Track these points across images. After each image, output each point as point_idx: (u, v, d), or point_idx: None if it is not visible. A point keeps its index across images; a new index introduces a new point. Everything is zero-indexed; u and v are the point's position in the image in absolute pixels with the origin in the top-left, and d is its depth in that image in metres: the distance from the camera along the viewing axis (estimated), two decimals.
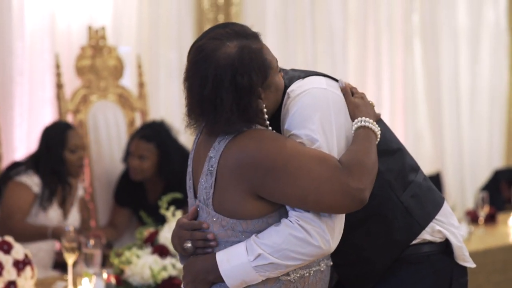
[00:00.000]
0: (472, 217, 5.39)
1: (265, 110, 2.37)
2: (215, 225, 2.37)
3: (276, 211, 2.34)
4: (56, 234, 4.48)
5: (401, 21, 7.25)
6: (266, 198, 2.32)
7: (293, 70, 2.56)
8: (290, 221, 2.30)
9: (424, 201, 2.58)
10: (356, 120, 2.43)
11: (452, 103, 7.64)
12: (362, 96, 2.53)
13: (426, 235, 2.56)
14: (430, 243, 2.57)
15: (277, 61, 2.42)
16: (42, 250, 4.63)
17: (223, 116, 2.30)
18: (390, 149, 2.56)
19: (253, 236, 2.33)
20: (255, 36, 2.37)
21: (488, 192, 5.61)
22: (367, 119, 2.43)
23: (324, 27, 6.73)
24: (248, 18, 6.26)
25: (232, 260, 2.33)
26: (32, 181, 4.58)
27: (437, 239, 2.58)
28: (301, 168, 2.27)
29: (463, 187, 7.72)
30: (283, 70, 2.54)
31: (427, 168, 7.24)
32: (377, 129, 2.45)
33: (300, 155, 2.28)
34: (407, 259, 2.56)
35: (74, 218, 4.77)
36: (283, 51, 6.44)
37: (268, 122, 2.38)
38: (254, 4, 6.36)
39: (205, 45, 2.33)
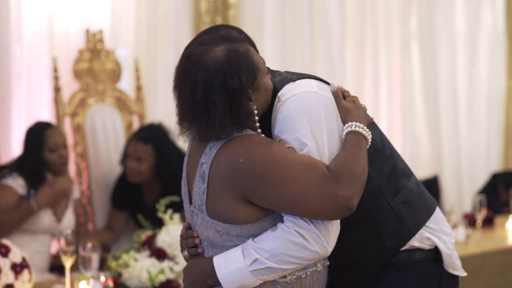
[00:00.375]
0: (470, 220, 5.38)
1: (255, 112, 2.37)
2: (210, 230, 2.38)
3: (270, 215, 2.35)
4: (40, 203, 4.54)
5: (398, 24, 7.25)
6: (256, 203, 2.33)
7: (286, 72, 2.56)
8: (287, 226, 2.31)
9: (415, 207, 2.56)
10: (346, 125, 2.43)
11: (449, 106, 7.64)
12: (354, 100, 2.52)
13: (415, 241, 2.55)
14: (419, 249, 2.55)
15: (264, 63, 2.43)
16: (38, 252, 4.63)
17: (216, 119, 2.32)
18: (382, 154, 2.54)
19: (250, 240, 2.34)
20: (241, 40, 2.39)
21: (485, 195, 5.61)
22: (358, 123, 2.42)
23: (322, 30, 6.73)
24: (246, 21, 6.27)
25: (229, 265, 2.34)
26: (17, 183, 4.62)
27: (426, 246, 2.56)
28: (289, 175, 2.28)
29: (460, 190, 7.72)
30: (276, 72, 2.55)
31: (424, 171, 7.24)
32: (367, 133, 2.43)
33: (289, 162, 2.29)
34: (396, 265, 2.54)
35: (69, 220, 4.78)
36: (281, 54, 6.45)
37: (258, 124, 2.39)
38: (252, 7, 6.35)
39: (192, 51, 2.36)
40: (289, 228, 2.30)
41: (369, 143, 2.44)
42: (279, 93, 2.43)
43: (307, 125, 2.35)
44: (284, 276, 2.37)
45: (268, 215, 2.34)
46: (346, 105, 2.47)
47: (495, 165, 7.96)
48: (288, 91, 2.43)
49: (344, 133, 2.42)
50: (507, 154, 8.16)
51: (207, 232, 2.39)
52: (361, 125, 2.42)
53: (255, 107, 2.37)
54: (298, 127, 2.35)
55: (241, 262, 2.32)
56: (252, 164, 2.30)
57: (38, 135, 4.73)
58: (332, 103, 2.45)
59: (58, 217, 4.73)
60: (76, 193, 4.93)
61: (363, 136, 2.42)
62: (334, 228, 2.33)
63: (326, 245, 2.31)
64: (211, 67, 2.31)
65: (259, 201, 2.32)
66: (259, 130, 2.39)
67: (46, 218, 4.66)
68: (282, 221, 2.33)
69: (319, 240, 2.30)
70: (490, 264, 4.90)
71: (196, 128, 2.37)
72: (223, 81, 2.30)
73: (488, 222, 5.57)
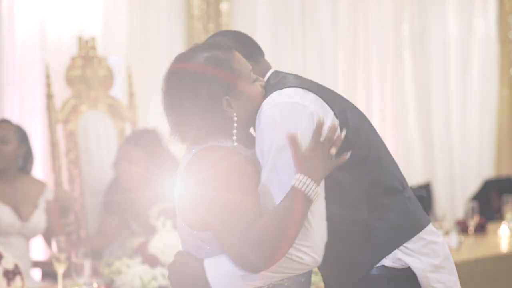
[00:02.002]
0: (462, 227, 5.39)
1: (235, 119, 2.38)
2: (180, 227, 2.45)
3: None
4: None
5: (391, 32, 7.27)
6: None
7: (288, 75, 2.57)
8: None
9: (393, 226, 2.45)
10: (294, 177, 2.32)
11: (442, 113, 7.66)
12: (315, 147, 2.35)
13: (387, 260, 2.45)
14: (392, 268, 2.45)
15: (251, 71, 2.44)
16: (15, 258, 4.58)
17: (187, 124, 2.38)
18: (362, 169, 2.44)
19: None
20: (227, 47, 2.41)
21: (478, 202, 5.61)
22: (304, 179, 2.30)
23: (314, 37, 6.74)
24: (238, 28, 6.23)
25: (220, 268, 2.34)
26: None
27: (398, 265, 2.45)
28: (216, 206, 2.30)
29: (453, 197, 7.73)
30: (280, 73, 2.58)
31: (417, 178, 7.25)
32: (311, 191, 2.29)
33: (224, 194, 2.29)
34: (369, 280, 2.46)
35: (38, 220, 4.72)
36: (273, 61, 6.33)
37: (235, 131, 2.38)
38: (244, 14, 6.36)
39: (177, 57, 2.43)
40: None
41: (313, 201, 2.31)
42: (263, 102, 2.43)
43: (269, 141, 2.35)
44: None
45: None
46: (301, 154, 2.33)
47: (487, 172, 7.97)
48: (269, 101, 2.41)
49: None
50: (499, 161, 8.18)
51: (182, 232, 2.45)
52: (307, 182, 2.29)
53: (235, 114, 2.38)
54: (264, 141, 2.36)
55: (232, 266, 2.32)
56: (194, 180, 2.33)
57: None
58: (310, 114, 2.39)
59: (24, 216, 4.69)
60: (49, 195, 4.89)
61: (304, 194, 2.29)
62: (320, 239, 2.35)
63: (316, 256, 2.33)
64: (186, 73, 2.37)
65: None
66: (235, 137, 2.39)
67: (6, 215, 4.61)
68: None
69: (309, 251, 2.32)
70: (483, 271, 4.91)
71: (176, 131, 2.44)
72: (194, 87, 2.35)
73: (481, 229, 5.57)
